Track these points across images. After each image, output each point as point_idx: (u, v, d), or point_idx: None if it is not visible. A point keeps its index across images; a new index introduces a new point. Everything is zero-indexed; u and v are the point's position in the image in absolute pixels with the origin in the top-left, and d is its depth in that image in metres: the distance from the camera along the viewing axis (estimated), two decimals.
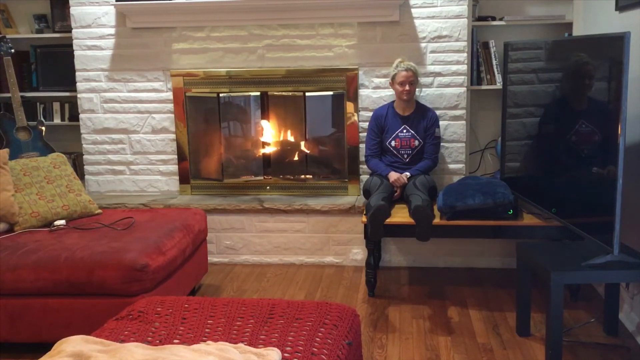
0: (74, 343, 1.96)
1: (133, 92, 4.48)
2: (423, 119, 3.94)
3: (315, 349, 1.98)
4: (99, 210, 3.62)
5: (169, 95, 4.44)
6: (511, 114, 3.77)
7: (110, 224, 3.35)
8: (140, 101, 4.48)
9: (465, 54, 4.11)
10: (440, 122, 4.06)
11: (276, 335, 2.06)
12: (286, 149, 4.51)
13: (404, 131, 3.94)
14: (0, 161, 3.34)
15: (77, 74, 4.49)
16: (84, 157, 4.60)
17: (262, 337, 2.06)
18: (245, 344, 1.98)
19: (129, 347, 1.87)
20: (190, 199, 4.42)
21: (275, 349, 1.92)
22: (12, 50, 4.38)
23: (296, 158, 4.50)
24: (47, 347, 2.06)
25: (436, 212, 3.58)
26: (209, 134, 4.52)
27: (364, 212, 3.63)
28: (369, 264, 3.68)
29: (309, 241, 4.25)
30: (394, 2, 4.05)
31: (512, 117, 3.77)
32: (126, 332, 2.13)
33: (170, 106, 4.45)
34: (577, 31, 3.98)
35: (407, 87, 3.83)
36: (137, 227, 3.30)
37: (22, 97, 4.46)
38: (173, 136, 4.49)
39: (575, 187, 3.06)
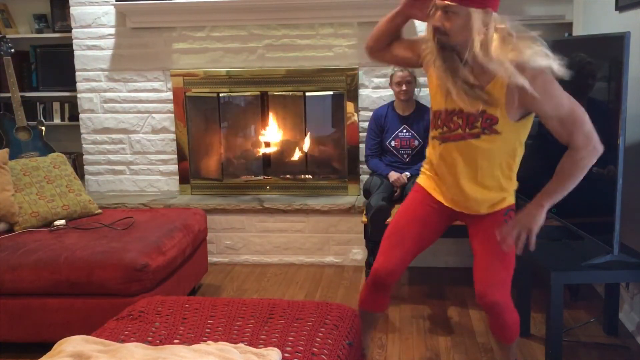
0: (74, 343, 1.96)
1: (133, 92, 4.48)
2: (423, 118, 3.94)
3: (315, 349, 1.98)
4: (99, 210, 3.62)
5: (169, 95, 4.44)
6: None
7: (110, 224, 3.35)
8: (140, 101, 4.49)
9: None
10: None
11: (276, 335, 2.06)
12: (286, 148, 4.51)
13: (404, 131, 3.94)
14: (0, 161, 3.34)
15: (77, 74, 4.49)
16: (84, 157, 4.60)
17: (262, 337, 2.06)
18: (245, 344, 1.97)
19: (129, 347, 1.87)
20: (190, 199, 4.42)
21: (276, 349, 1.92)
22: (12, 50, 4.38)
23: (296, 158, 4.50)
24: (47, 347, 2.06)
25: None
26: (209, 134, 4.52)
27: (365, 212, 3.63)
28: (369, 264, 3.67)
29: (309, 241, 4.25)
30: (394, 2, 4.04)
31: None
32: (126, 332, 2.13)
33: (170, 106, 4.45)
34: (577, 31, 3.98)
35: (403, 87, 3.84)
36: (137, 227, 3.30)
37: (22, 97, 4.46)
38: (173, 136, 4.49)
39: (575, 187, 3.05)
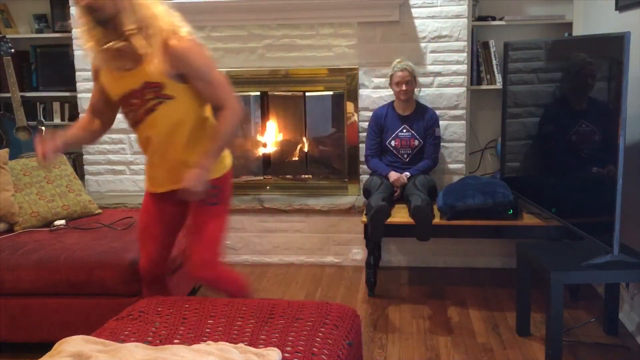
0: (74, 343, 1.96)
1: None
2: (423, 118, 3.94)
3: (315, 349, 1.98)
4: (99, 210, 3.62)
5: None
6: (511, 114, 3.77)
7: (110, 223, 3.35)
8: None
9: (465, 54, 4.11)
10: (440, 122, 4.06)
11: (276, 335, 2.06)
12: (286, 148, 4.51)
13: (404, 131, 3.93)
14: (0, 161, 3.34)
15: (77, 74, 4.49)
16: (84, 157, 4.60)
17: (262, 337, 2.06)
18: (245, 344, 1.97)
19: (129, 347, 1.87)
20: None
21: (276, 349, 1.92)
22: (12, 50, 4.38)
23: (296, 158, 4.50)
24: (47, 347, 2.06)
25: (436, 212, 3.58)
26: None
27: (364, 212, 3.63)
28: (369, 263, 3.68)
29: (309, 241, 4.24)
30: (394, 2, 4.05)
31: (512, 117, 3.77)
32: (126, 332, 2.13)
33: None
34: (577, 31, 3.98)
35: (403, 87, 3.84)
36: (137, 227, 3.29)
37: (22, 97, 4.46)
38: None
39: (575, 187, 3.06)
